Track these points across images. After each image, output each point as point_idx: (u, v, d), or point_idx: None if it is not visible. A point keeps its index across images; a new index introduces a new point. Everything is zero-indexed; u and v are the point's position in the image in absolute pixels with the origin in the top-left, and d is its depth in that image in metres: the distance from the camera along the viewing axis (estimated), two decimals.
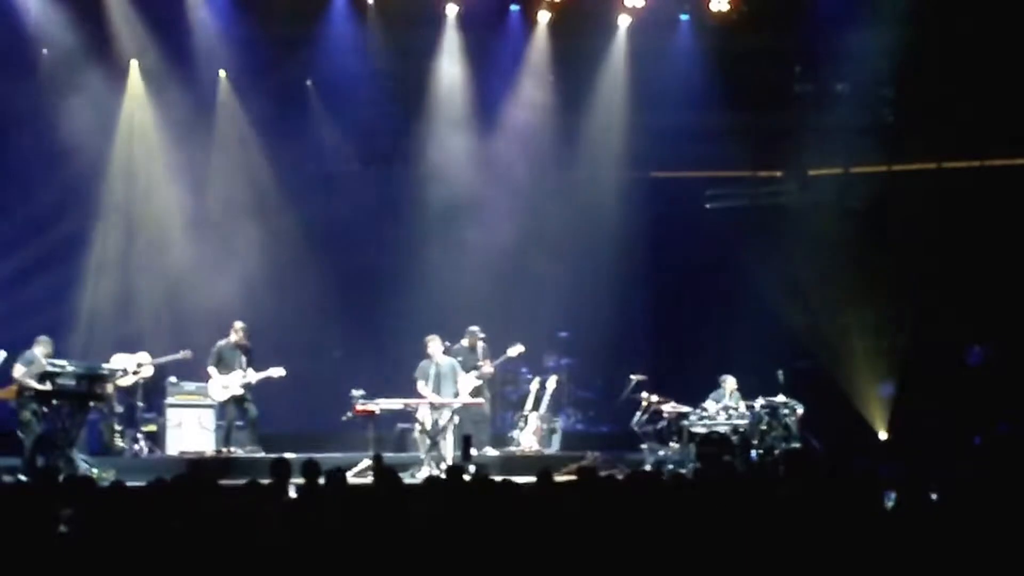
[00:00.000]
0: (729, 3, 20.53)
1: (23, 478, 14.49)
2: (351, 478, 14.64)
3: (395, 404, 17.10)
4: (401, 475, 10.37)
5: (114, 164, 20.33)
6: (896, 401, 20.79)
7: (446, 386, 17.42)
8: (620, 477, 11.07)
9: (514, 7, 21.07)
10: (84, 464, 15.35)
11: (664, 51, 21.12)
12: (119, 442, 17.59)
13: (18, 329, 17.45)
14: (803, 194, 22.60)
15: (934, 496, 8.75)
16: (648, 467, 17.23)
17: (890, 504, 8.79)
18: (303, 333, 20.46)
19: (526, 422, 19.12)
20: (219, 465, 16.19)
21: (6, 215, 19.79)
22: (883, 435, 20.47)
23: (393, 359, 18.99)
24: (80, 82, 19.40)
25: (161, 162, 20.50)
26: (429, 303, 20.38)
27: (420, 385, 17.36)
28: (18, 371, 15.84)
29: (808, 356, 20.72)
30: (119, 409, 17.72)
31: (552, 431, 19.29)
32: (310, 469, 10.37)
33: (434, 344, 17.58)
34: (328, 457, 14.58)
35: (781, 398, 17.63)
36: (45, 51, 19.62)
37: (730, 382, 18.28)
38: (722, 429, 17.49)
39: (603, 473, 11.36)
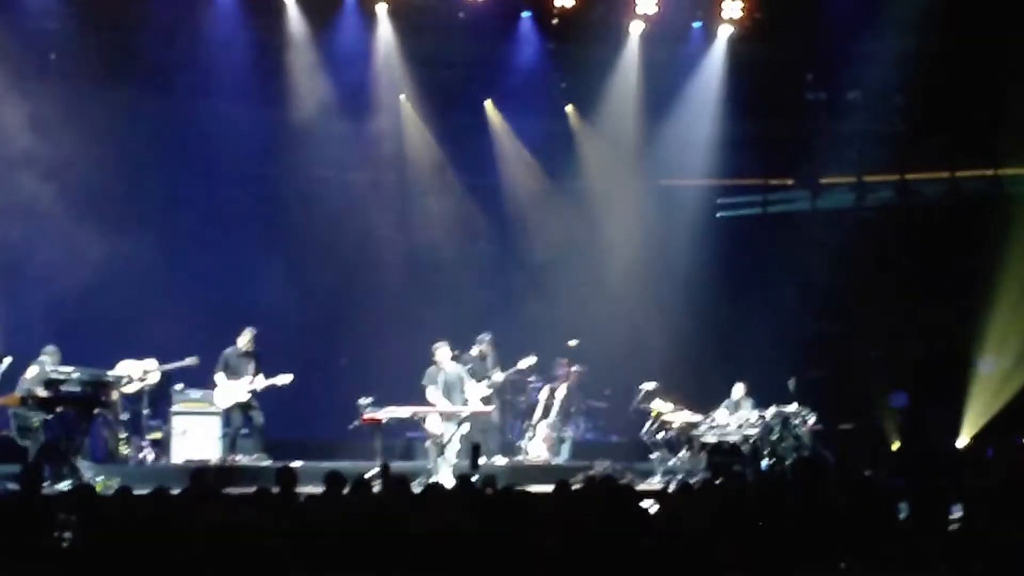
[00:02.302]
0: (742, 11, 20.49)
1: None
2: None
3: (403, 412, 16.83)
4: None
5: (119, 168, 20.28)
6: (908, 411, 20.67)
7: (454, 394, 17.20)
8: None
9: (525, 14, 20.98)
10: (88, 472, 15.24)
11: (676, 59, 21.08)
12: (124, 450, 17.46)
13: (22, 333, 17.39)
14: (815, 202, 22.52)
15: (947, 507, 8.65)
16: (658, 477, 17.13)
17: (903, 515, 8.67)
18: (310, 340, 20.39)
19: (535, 431, 19.01)
20: (224, 473, 16.05)
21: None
22: (895, 445, 20.33)
23: (401, 367, 18.83)
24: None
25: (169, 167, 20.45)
26: (438, 311, 20.27)
27: (429, 391, 17.08)
28: (25, 383, 15.80)
29: (820, 365, 20.59)
30: (124, 416, 17.60)
31: (562, 440, 19.20)
32: (333, 480, 10.13)
33: (442, 351, 17.30)
34: (335, 466, 14.42)
35: (793, 407, 17.49)
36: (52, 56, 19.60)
37: (741, 390, 18.16)
38: (733, 439, 17.33)
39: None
